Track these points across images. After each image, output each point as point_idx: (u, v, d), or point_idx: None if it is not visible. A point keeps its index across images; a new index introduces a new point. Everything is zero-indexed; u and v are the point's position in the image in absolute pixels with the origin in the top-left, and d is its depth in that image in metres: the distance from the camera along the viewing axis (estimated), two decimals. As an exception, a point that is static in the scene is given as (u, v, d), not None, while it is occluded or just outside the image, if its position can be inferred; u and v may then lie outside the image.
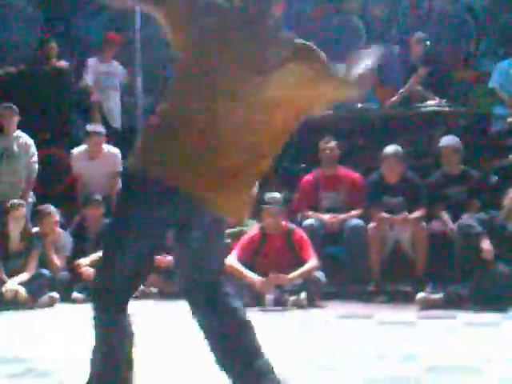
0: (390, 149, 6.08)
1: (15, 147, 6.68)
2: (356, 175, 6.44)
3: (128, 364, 2.49)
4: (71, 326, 4.76)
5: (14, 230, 5.77)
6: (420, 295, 5.35)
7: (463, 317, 4.81)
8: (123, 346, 2.46)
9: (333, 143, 6.45)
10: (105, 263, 2.47)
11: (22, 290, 5.58)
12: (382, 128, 7.09)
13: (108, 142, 6.98)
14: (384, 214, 5.91)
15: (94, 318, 2.44)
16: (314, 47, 2.49)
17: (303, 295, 5.46)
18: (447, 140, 6.17)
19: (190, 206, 2.38)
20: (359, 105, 7.55)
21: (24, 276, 5.68)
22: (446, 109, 7.02)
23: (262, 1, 2.45)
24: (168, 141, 2.37)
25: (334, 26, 8.36)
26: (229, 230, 6.17)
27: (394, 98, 7.35)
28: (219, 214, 2.45)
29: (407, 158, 6.24)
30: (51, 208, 6.10)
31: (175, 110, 2.41)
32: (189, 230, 2.41)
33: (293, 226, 5.88)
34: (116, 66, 7.99)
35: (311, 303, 5.47)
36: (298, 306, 5.41)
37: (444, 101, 7.05)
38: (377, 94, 8.21)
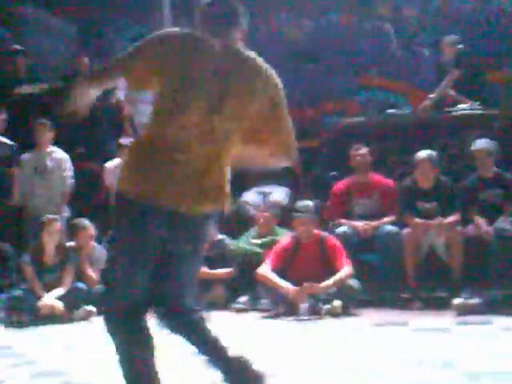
0: (423, 153, 6.02)
1: (48, 162, 6.79)
2: (388, 181, 6.39)
3: (152, 377, 2.51)
4: (108, 339, 4.79)
5: (50, 244, 5.84)
6: (456, 301, 5.27)
7: (500, 322, 4.72)
8: (144, 359, 2.50)
9: (364, 150, 6.41)
10: (109, 285, 2.54)
11: (59, 304, 5.65)
12: (415, 133, 7.02)
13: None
14: (418, 220, 5.85)
15: (112, 339, 2.53)
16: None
17: (337, 303, 5.41)
18: (481, 143, 6.07)
19: (176, 221, 2.46)
20: (391, 110, 7.53)
21: (60, 290, 5.75)
22: (479, 112, 6.92)
23: (223, 27, 2.50)
24: (146, 164, 2.46)
25: (365, 32, 8.34)
26: (261, 240, 6.19)
27: (425, 102, 7.29)
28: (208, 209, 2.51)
29: (440, 162, 6.16)
30: (86, 222, 6.17)
31: (152, 138, 2.49)
32: (176, 244, 2.49)
33: (325, 233, 5.85)
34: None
35: (346, 311, 5.42)
36: (333, 314, 5.37)
37: (477, 104, 6.96)
38: (409, 98, 8.18)
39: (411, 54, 8.71)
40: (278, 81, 2.59)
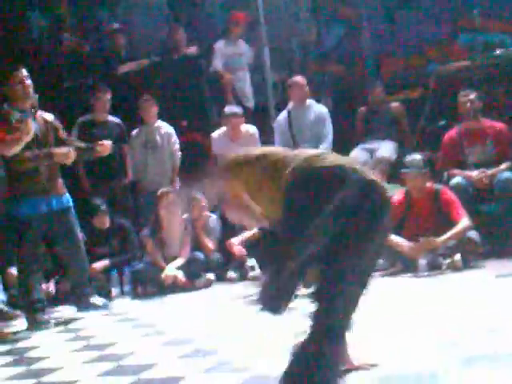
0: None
1: (158, 137, 6.94)
2: (501, 125, 6.13)
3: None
4: (230, 305, 4.92)
5: (167, 217, 6.00)
6: None
7: None
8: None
9: (472, 95, 6.16)
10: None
11: (180, 275, 5.83)
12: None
13: (244, 122, 7.07)
14: (538, 164, 5.60)
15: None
16: None
17: (458, 257, 5.29)
18: None
19: None
20: (497, 51, 7.18)
21: (180, 261, 5.92)
22: None
23: None
24: None
25: None
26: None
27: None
28: None
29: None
30: (198, 194, 6.28)
31: None
32: None
33: (439, 186, 5.70)
34: (243, 46, 8.07)
35: (467, 265, 5.29)
36: (454, 268, 5.26)
37: None
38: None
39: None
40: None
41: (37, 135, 4.96)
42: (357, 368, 2.89)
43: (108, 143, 5.27)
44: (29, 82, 4.99)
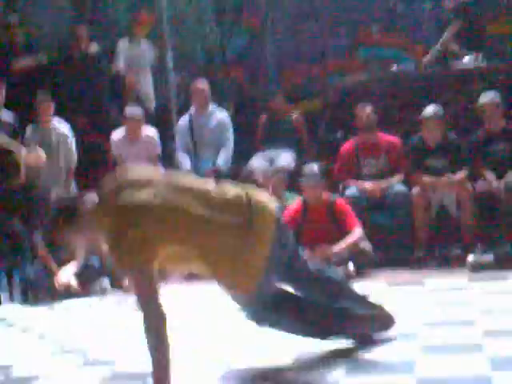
0: (429, 110, 5.96)
1: (53, 138, 6.72)
2: (395, 139, 6.35)
3: None
4: (119, 313, 4.85)
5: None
6: (470, 258, 5.29)
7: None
8: None
9: (369, 108, 6.36)
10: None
11: (73, 281, 5.63)
12: (419, 88, 6.95)
13: (144, 124, 6.97)
14: (427, 178, 5.84)
15: None
16: None
17: (351, 266, 5.44)
18: (487, 96, 6.01)
19: None
20: (394, 66, 7.45)
21: (74, 266, 5.74)
22: (484, 64, 6.84)
23: None
24: None
25: None
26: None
27: (427, 57, 7.20)
28: None
29: (447, 118, 6.11)
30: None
31: None
32: None
33: (334, 196, 5.83)
34: (146, 47, 7.98)
35: (360, 274, 5.44)
36: (347, 277, 5.38)
37: (480, 56, 6.87)
38: (410, 53, 8.07)
39: (410, 8, 8.57)
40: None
41: None
42: None
43: None
44: None
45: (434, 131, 5.92)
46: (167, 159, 7.00)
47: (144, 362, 2.80)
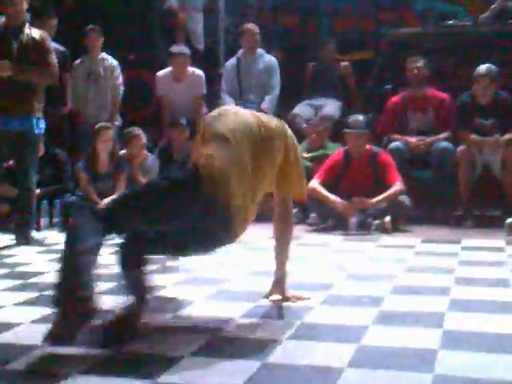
0: (483, 68, 5.81)
1: (101, 69, 6.75)
2: (445, 96, 6.22)
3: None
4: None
5: (103, 152, 5.89)
6: (509, 220, 5.21)
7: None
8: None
9: (421, 62, 6.22)
10: None
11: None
12: (474, 45, 6.76)
13: (192, 64, 6.96)
14: (474, 136, 5.72)
15: None
16: None
17: (387, 219, 5.41)
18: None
19: None
20: (450, 21, 7.24)
21: (114, 197, 5.84)
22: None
23: None
24: None
25: None
26: (311, 154, 6.16)
27: (485, 14, 6.98)
28: None
29: (500, 77, 5.94)
30: (138, 131, 6.18)
31: None
32: None
33: (377, 149, 5.78)
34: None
35: (396, 227, 5.41)
36: (382, 230, 5.37)
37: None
38: (469, 8, 7.82)
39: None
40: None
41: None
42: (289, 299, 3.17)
43: (4, 63, 4.90)
44: None
45: (485, 89, 5.78)
46: (213, 100, 6.99)
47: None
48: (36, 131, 5.08)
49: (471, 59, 6.31)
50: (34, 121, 5.05)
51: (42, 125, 5.15)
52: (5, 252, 4.77)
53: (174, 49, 6.83)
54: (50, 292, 3.44)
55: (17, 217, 5.22)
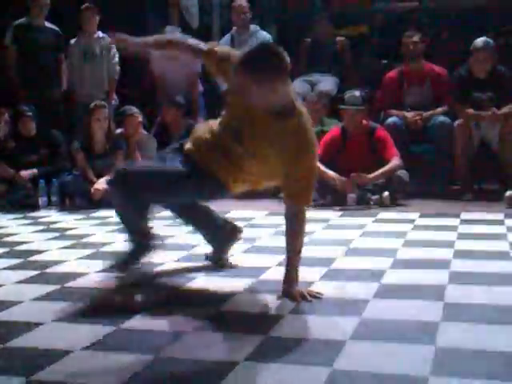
0: (479, 41, 5.78)
1: (97, 48, 6.70)
2: (441, 70, 6.20)
3: None
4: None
5: (99, 130, 5.87)
6: (508, 193, 5.22)
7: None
8: None
9: (417, 37, 6.18)
10: None
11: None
12: (469, 18, 6.73)
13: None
14: (471, 110, 5.70)
15: None
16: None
17: (386, 194, 5.41)
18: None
19: None
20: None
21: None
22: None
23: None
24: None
25: None
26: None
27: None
28: None
29: (497, 50, 5.91)
30: (134, 109, 6.16)
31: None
32: None
33: (374, 124, 5.76)
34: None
35: (394, 202, 5.42)
36: (381, 205, 5.38)
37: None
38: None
39: None
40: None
41: None
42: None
43: None
44: None
45: (482, 63, 5.75)
46: (207, 78, 6.95)
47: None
48: None
49: (468, 33, 6.27)
50: None
51: None
52: (3, 231, 4.76)
53: (168, 28, 6.78)
54: (50, 270, 3.47)
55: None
